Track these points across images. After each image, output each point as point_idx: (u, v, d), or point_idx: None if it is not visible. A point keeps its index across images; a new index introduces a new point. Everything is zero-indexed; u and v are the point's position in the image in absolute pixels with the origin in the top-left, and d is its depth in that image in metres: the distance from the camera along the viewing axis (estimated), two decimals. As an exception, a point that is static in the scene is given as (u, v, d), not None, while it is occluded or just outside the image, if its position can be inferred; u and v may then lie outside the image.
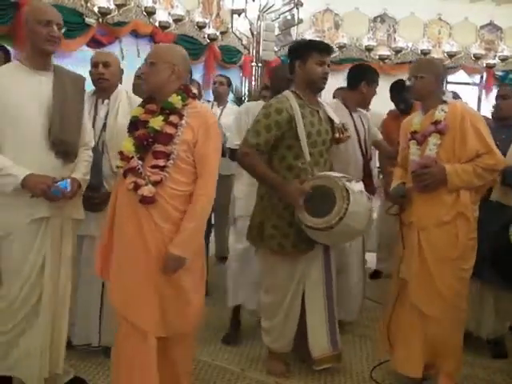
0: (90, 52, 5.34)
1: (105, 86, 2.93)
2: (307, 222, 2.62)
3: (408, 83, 2.86)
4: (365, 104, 3.60)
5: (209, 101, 5.05)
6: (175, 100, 2.27)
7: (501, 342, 3.36)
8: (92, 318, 2.98)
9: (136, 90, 3.34)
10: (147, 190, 2.21)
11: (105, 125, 2.90)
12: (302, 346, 2.97)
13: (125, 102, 2.95)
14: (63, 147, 2.43)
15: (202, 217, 2.30)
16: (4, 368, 2.47)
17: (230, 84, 5.08)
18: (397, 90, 4.41)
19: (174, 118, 2.26)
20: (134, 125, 2.35)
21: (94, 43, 5.58)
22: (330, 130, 2.89)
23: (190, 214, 2.25)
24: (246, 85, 8.19)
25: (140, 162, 2.26)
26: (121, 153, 2.31)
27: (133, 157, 2.27)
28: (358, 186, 2.64)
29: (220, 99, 4.92)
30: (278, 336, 2.95)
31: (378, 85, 3.50)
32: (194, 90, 2.39)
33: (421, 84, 2.75)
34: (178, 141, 2.24)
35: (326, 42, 3.09)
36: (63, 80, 2.47)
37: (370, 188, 3.24)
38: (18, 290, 2.39)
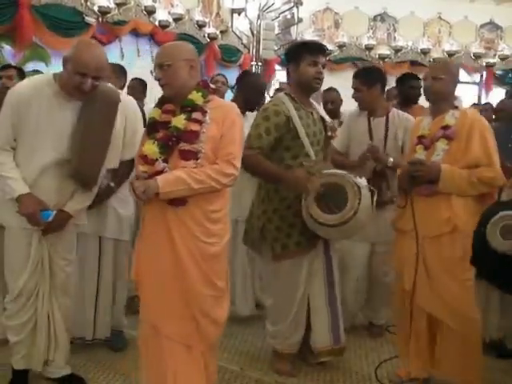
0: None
1: None
2: (320, 219, 2.64)
3: (424, 84, 2.75)
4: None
5: None
6: (196, 97, 2.18)
7: (504, 342, 3.35)
8: (87, 313, 2.99)
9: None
10: None
11: None
12: (303, 344, 2.97)
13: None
14: (81, 178, 2.44)
15: (200, 182, 2.11)
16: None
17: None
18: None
19: (197, 115, 2.16)
20: (153, 127, 2.24)
21: (94, 42, 5.58)
22: (323, 129, 2.92)
23: (195, 173, 2.10)
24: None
25: (165, 164, 2.14)
26: (144, 157, 2.18)
27: (157, 159, 2.15)
28: (363, 182, 2.71)
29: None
30: (284, 339, 2.94)
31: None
32: (213, 86, 2.33)
33: (439, 85, 2.67)
34: (203, 138, 2.14)
35: (324, 40, 3.11)
36: (91, 108, 2.41)
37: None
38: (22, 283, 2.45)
